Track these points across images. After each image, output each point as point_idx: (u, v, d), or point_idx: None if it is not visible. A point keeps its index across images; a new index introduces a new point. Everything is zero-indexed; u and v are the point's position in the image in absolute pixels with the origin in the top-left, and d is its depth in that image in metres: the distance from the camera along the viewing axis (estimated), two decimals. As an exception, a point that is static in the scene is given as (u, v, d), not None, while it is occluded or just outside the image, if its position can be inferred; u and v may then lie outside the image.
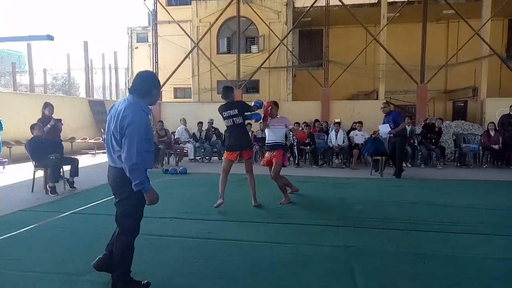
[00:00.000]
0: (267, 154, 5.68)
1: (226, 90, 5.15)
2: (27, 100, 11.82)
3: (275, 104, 5.70)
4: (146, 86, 2.63)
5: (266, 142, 5.75)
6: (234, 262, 3.30)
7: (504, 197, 6.01)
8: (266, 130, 5.62)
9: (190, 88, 18.24)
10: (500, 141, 9.45)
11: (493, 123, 9.92)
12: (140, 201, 2.70)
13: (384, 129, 7.52)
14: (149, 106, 2.77)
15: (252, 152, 5.85)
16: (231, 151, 5.16)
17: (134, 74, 20.09)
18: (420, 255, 3.44)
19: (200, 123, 11.41)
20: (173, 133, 11.51)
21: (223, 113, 5.11)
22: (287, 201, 5.46)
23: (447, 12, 15.58)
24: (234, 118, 5.03)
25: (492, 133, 9.57)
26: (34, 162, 6.28)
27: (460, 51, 14.68)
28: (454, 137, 10.40)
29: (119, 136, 2.53)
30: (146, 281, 2.82)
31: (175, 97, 20.75)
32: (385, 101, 8.10)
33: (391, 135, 7.69)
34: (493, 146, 9.39)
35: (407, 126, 8.93)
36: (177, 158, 10.34)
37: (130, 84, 2.66)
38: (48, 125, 6.78)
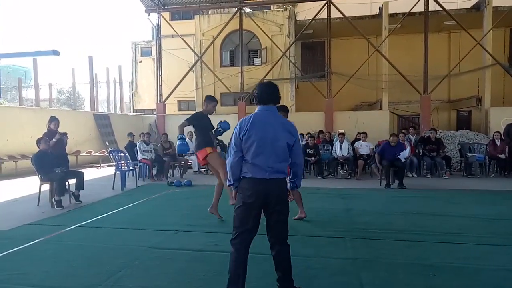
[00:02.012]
0: None
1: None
2: (33, 115, 11.93)
3: (284, 109, 5.07)
4: (279, 95, 2.85)
5: None
6: (242, 275, 3.26)
7: (512, 206, 5.95)
8: None
9: (194, 100, 18.35)
10: (506, 150, 9.39)
11: (499, 132, 9.88)
12: None
13: (405, 154, 8.30)
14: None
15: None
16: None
17: (139, 88, 20.26)
18: (429, 267, 3.39)
19: (204, 135, 11.42)
20: (178, 145, 11.53)
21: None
22: (304, 215, 5.19)
23: (448, 23, 15.68)
24: None
25: (497, 142, 9.52)
26: (40, 175, 6.30)
27: (463, 61, 14.73)
28: (459, 147, 10.35)
29: (294, 144, 2.74)
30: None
31: (179, 109, 20.89)
32: (394, 133, 9.06)
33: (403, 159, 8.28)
34: (500, 155, 9.33)
35: (411, 136, 10.38)
36: (181, 171, 10.35)
37: (269, 96, 2.77)
38: (54, 139, 6.82)
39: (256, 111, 2.79)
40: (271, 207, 2.66)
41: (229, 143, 2.83)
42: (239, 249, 2.68)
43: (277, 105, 2.89)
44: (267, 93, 2.77)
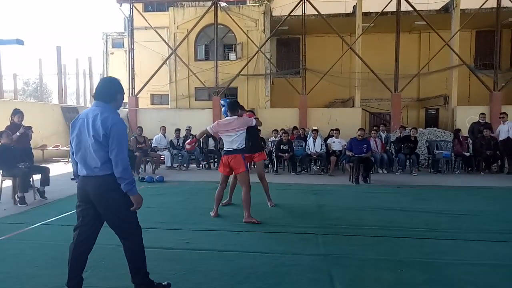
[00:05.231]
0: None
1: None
2: (-5, 106, 11.31)
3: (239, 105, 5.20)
4: (112, 91, 2.71)
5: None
6: (214, 274, 3.23)
7: (476, 202, 6.20)
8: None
9: (168, 94, 18.02)
10: (470, 147, 9.82)
11: (459, 129, 10.48)
12: (129, 201, 2.67)
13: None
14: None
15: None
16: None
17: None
18: (398, 262, 3.47)
19: (178, 130, 11.26)
20: (150, 140, 11.30)
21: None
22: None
23: (419, 23, 16.13)
24: None
25: (460, 138, 9.98)
26: (1, 171, 5.99)
27: (432, 60, 15.24)
28: (427, 144, 10.70)
29: (103, 138, 2.52)
30: (166, 282, 2.91)
31: (152, 103, 20.43)
32: (362, 128, 9.29)
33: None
34: (465, 153, 9.73)
35: (381, 133, 10.74)
36: (153, 166, 10.13)
37: (96, 93, 2.69)
38: (17, 133, 6.52)
39: None
40: (97, 205, 2.63)
41: None
42: (73, 243, 2.68)
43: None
44: (96, 89, 2.70)
